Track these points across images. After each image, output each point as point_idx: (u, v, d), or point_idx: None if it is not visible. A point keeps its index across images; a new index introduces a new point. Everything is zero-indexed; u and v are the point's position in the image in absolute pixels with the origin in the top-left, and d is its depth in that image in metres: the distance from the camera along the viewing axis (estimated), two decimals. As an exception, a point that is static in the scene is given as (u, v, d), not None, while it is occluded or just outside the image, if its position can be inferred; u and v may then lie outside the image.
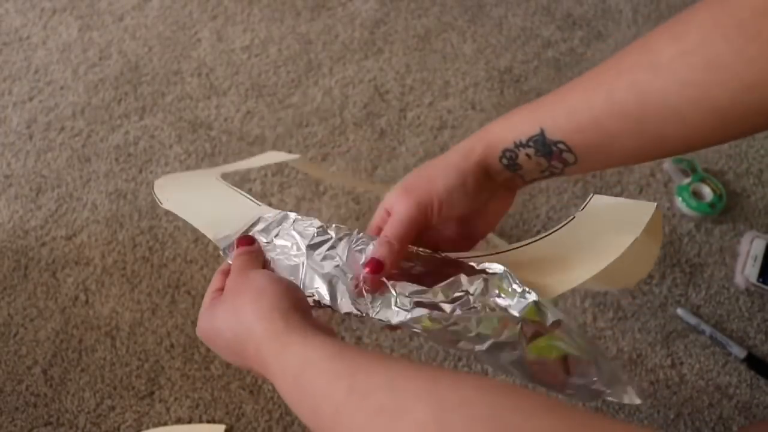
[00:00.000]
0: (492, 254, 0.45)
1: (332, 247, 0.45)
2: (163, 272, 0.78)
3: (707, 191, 0.81)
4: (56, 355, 0.72)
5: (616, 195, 0.83)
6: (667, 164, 0.85)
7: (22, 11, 1.05)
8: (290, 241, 0.46)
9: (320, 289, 0.43)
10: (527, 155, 0.41)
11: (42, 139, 0.90)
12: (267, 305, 0.37)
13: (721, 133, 0.34)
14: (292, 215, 0.47)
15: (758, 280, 0.74)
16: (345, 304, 0.42)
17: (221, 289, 0.42)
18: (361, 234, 0.45)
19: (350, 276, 0.43)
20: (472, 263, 0.43)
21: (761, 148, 0.88)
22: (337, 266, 0.44)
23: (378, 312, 0.41)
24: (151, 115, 0.92)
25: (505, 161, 0.42)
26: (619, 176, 0.85)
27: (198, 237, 0.81)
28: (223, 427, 0.68)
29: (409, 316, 0.40)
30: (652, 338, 0.73)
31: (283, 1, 1.05)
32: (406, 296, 0.41)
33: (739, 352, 0.71)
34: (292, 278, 0.44)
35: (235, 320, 0.38)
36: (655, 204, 0.45)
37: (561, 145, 0.39)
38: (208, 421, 0.68)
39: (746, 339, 0.73)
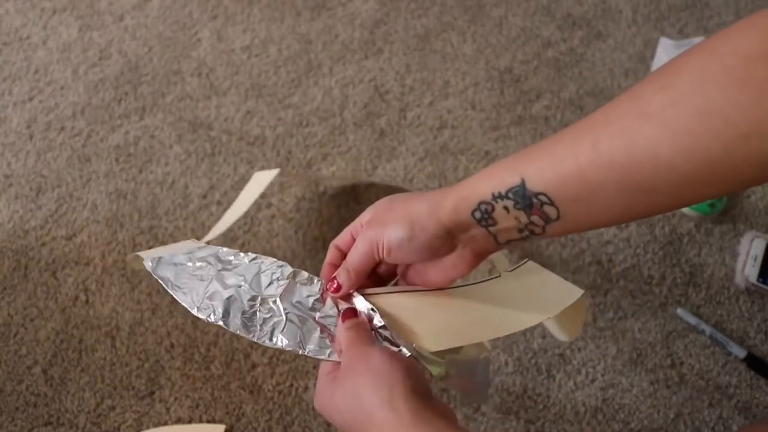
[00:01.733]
0: (401, 292, 0.46)
1: (237, 266, 0.46)
2: (163, 272, 0.78)
3: (707, 191, 0.81)
4: (56, 355, 0.72)
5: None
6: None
7: (22, 11, 1.05)
8: (207, 261, 0.46)
9: (217, 306, 0.43)
10: (505, 208, 0.38)
11: (42, 139, 0.90)
12: (388, 391, 0.36)
13: (715, 186, 0.32)
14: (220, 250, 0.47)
15: (758, 280, 0.74)
16: (234, 324, 0.43)
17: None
18: (273, 262, 0.45)
19: (254, 297, 0.44)
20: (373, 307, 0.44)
21: (761, 148, 0.88)
22: (240, 286, 0.44)
23: (262, 338, 0.42)
24: (151, 115, 0.92)
25: (478, 215, 0.39)
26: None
27: (198, 237, 0.81)
28: (223, 427, 0.68)
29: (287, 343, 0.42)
30: (652, 338, 0.73)
31: (283, 1, 1.05)
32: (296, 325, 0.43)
33: (739, 352, 0.71)
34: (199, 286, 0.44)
35: (354, 403, 0.37)
36: (582, 292, 0.44)
37: (542, 197, 0.36)
38: (208, 421, 0.68)
39: (746, 339, 0.73)
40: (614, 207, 0.35)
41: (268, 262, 0.46)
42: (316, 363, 0.71)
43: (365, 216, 0.43)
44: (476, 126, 0.90)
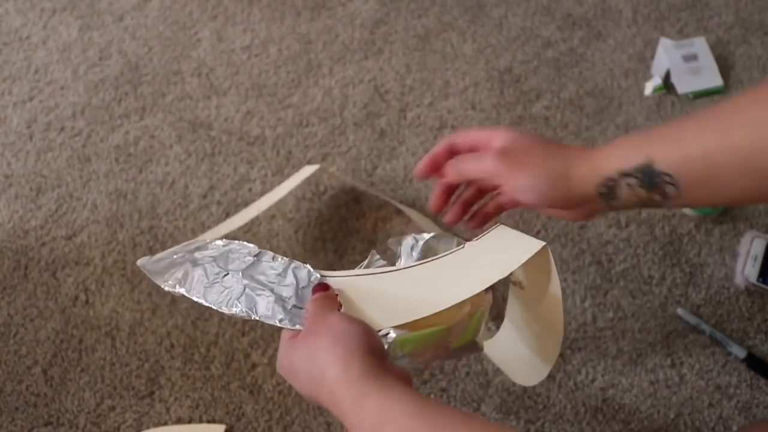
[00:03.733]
0: (367, 274, 0.48)
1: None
2: (163, 272, 0.78)
3: (707, 191, 0.81)
4: (56, 355, 0.72)
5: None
6: (667, 164, 0.85)
7: (22, 11, 1.05)
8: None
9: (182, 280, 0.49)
10: (628, 185, 0.40)
11: (42, 139, 0.90)
12: (342, 350, 0.37)
13: None
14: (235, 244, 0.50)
15: (758, 280, 0.74)
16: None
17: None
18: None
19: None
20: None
21: (761, 148, 0.88)
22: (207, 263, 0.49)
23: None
24: (151, 115, 0.92)
25: (603, 189, 0.41)
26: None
27: (196, 238, 0.81)
28: (223, 427, 0.68)
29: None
30: (652, 338, 0.73)
31: (283, 1, 1.05)
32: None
33: (739, 352, 0.71)
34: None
35: (309, 363, 0.39)
36: (544, 243, 0.44)
37: (666, 177, 0.38)
38: (208, 421, 0.68)
39: (746, 339, 0.73)
40: (731, 190, 0.37)
41: (236, 244, 0.50)
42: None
43: (498, 138, 0.44)
44: (476, 126, 0.90)
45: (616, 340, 0.73)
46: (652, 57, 0.97)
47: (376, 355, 0.38)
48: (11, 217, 0.83)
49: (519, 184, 0.43)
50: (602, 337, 0.73)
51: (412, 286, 0.47)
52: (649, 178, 0.39)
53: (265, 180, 0.85)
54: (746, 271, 0.75)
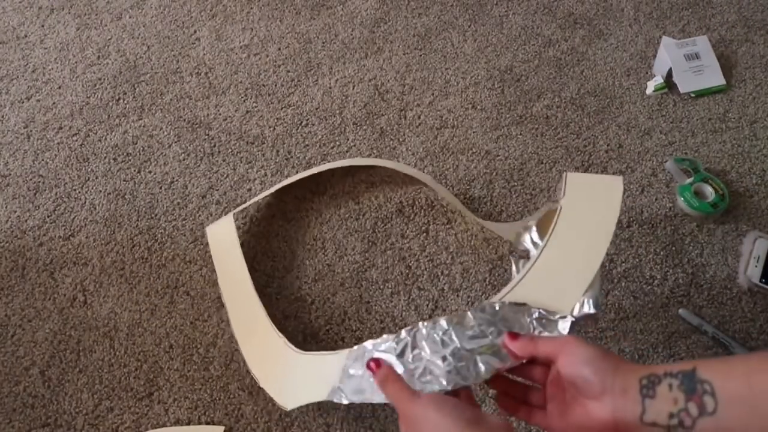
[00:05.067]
0: (515, 285, 0.54)
1: (414, 347, 0.52)
2: (161, 272, 0.77)
3: (709, 191, 0.81)
4: (54, 356, 0.72)
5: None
6: (669, 164, 0.85)
7: (19, 9, 1.05)
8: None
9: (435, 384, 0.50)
10: (669, 385, 0.40)
11: (40, 139, 0.89)
12: (449, 429, 0.42)
13: None
14: (368, 344, 0.54)
15: (761, 281, 0.74)
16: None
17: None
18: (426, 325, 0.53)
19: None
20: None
21: (764, 148, 0.87)
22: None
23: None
24: (150, 115, 0.92)
25: (644, 381, 0.42)
26: (621, 176, 0.85)
27: (197, 237, 0.80)
28: (222, 428, 0.67)
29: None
30: (654, 339, 0.73)
31: (282, 0, 1.05)
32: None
33: (742, 353, 0.71)
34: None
35: None
36: (621, 178, 0.55)
37: (707, 386, 0.39)
38: (207, 423, 0.68)
39: (749, 340, 0.73)
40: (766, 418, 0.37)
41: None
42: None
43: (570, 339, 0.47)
44: (477, 125, 0.90)
45: (617, 341, 0.73)
46: (654, 56, 0.96)
47: (475, 422, 0.42)
48: (9, 217, 0.82)
49: (578, 350, 0.44)
50: (604, 337, 0.73)
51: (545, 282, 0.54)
52: (690, 381, 0.39)
53: (264, 180, 0.85)
54: (749, 271, 0.75)
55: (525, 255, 0.63)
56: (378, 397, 0.51)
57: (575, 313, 0.53)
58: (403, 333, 0.52)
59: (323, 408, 0.68)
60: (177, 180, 0.85)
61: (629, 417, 0.41)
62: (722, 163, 0.86)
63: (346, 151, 0.87)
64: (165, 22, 1.02)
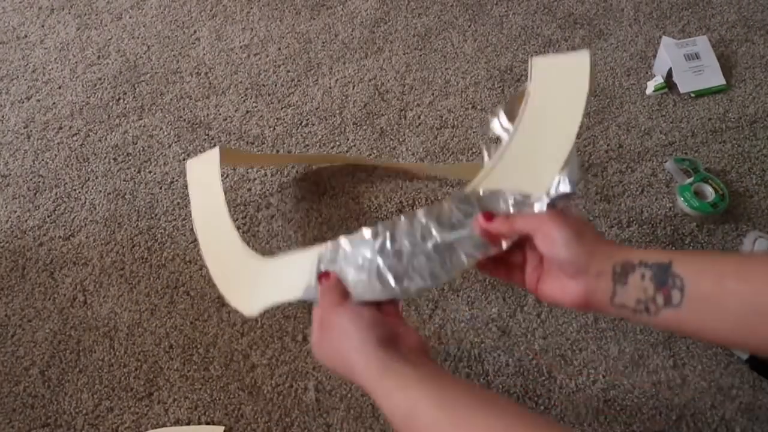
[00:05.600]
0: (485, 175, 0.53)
1: (394, 241, 0.50)
2: (161, 272, 0.77)
3: (709, 191, 0.81)
4: (54, 356, 0.72)
5: (618, 194, 0.83)
6: (669, 164, 0.85)
7: (19, 9, 1.05)
8: (357, 257, 0.50)
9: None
10: (642, 275, 0.41)
11: (40, 139, 0.89)
12: (358, 345, 0.43)
13: None
14: (343, 241, 0.51)
15: (761, 281, 0.74)
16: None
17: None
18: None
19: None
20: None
21: (764, 148, 0.87)
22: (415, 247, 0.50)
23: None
24: (150, 115, 0.92)
25: (618, 269, 0.42)
26: (621, 176, 0.85)
27: (197, 237, 0.80)
28: (222, 428, 0.67)
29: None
30: (654, 339, 0.73)
31: (282, 0, 1.05)
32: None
33: (742, 354, 0.71)
34: (376, 282, 0.49)
35: (337, 357, 0.45)
36: (587, 52, 0.53)
37: (678, 281, 0.40)
38: (207, 423, 0.68)
39: (749, 340, 0.73)
40: (731, 320, 0.38)
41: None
42: (315, 364, 0.71)
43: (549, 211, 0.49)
44: (477, 125, 0.90)
45: (617, 341, 0.73)
46: (654, 56, 0.96)
47: (387, 340, 0.43)
48: (9, 217, 0.82)
49: (554, 231, 0.45)
50: (604, 338, 0.73)
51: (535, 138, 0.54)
52: (663, 274, 0.40)
53: (264, 180, 0.85)
54: (749, 271, 0.75)
55: (496, 140, 0.60)
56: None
57: (551, 192, 0.52)
58: (380, 227, 0.50)
59: (323, 408, 0.68)
60: (177, 180, 0.85)
61: (600, 297, 0.43)
62: (722, 163, 0.86)
63: (346, 151, 0.87)
64: (165, 22, 1.02)
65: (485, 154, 0.58)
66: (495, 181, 0.54)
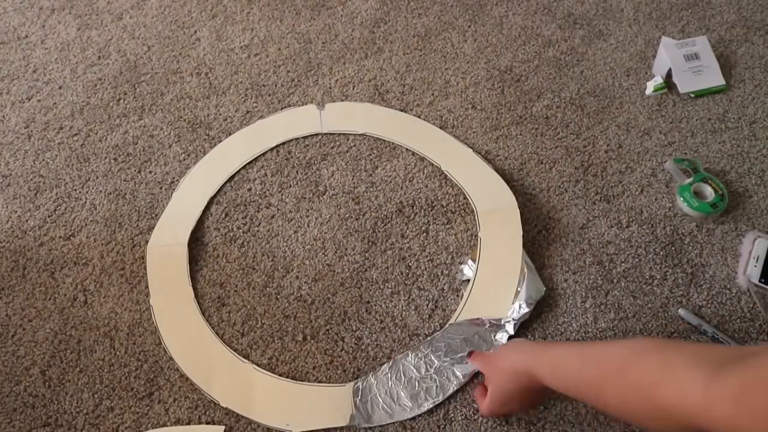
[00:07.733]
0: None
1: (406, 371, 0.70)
2: (162, 272, 0.77)
3: (709, 191, 0.81)
4: (54, 355, 0.72)
5: (617, 194, 0.83)
6: (669, 164, 0.85)
7: (20, 10, 1.05)
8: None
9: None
10: None
11: (40, 139, 0.89)
12: (512, 357, 0.60)
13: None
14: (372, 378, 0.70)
15: (760, 281, 0.74)
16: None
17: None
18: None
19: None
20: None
21: (763, 148, 0.87)
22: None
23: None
24: (150, 115, 0.92)
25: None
26: (621, 176, 0.85)
27: (196, 237, 0.80)
28: (222, 428, 0.67)
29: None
30: (653, 339, 0.73)
31: (282, 0, 1.05)
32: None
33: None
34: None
35: (508, 388, 0.61)
36: (515, 202, 0.78)
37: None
38: (208, 422, 0.68)
39: (748, 340, 0.73)
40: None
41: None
42: (315, 364, 0.71)
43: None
44: (477, 125, 0.90)
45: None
46: (654, 56, 0.97)
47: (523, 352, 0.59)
48: (9, 217, 0.82)
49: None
50: (603, 337, 0.73)
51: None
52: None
53: (264, 180, 0.85)
54: (748, 271, 0.75)
55: (467, 281, 0.76)
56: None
57: (515, 316, 0.71)
58: (388, 365, 0.70)
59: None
60: (177, 180, 0.85)
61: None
62: (722, 163, 0.86)
63: (347, 152, 0.87)
64: (165, 23, 1.02)
65: (463, 291, 0.75)
66: (471, 311, 0.73)
